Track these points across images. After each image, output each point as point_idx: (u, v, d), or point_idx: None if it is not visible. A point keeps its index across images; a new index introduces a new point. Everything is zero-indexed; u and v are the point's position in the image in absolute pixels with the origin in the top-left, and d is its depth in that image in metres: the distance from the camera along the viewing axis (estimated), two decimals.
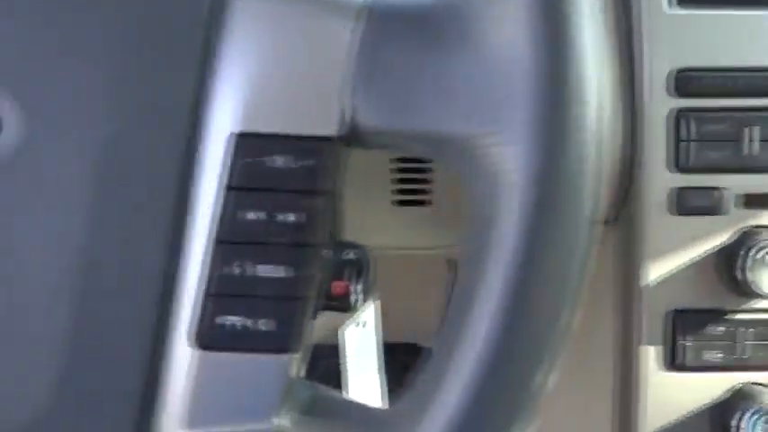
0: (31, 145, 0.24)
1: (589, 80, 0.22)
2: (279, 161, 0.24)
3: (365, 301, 0.44)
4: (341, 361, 0.42)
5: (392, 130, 0.25)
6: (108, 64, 0.24)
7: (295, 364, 0.26)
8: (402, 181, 0.47)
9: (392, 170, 0.47)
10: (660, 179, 0.43)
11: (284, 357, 0.25)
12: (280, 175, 0.24)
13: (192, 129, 0.24)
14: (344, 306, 0.42)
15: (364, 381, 0.42)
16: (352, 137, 0.25)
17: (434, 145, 0.25)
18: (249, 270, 0.25)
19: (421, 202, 0.47)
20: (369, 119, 0.24)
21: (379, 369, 0.44)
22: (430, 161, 0.47)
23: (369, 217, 0.45)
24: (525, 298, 0.23)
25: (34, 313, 0.24)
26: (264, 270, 0.25)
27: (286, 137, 0.24)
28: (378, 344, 0.44)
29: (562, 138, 0.22)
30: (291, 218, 0.25)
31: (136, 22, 0.24)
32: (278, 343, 0.25)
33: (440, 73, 0.24)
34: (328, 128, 0.24)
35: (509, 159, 0.23)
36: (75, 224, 0.24)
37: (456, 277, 0.24)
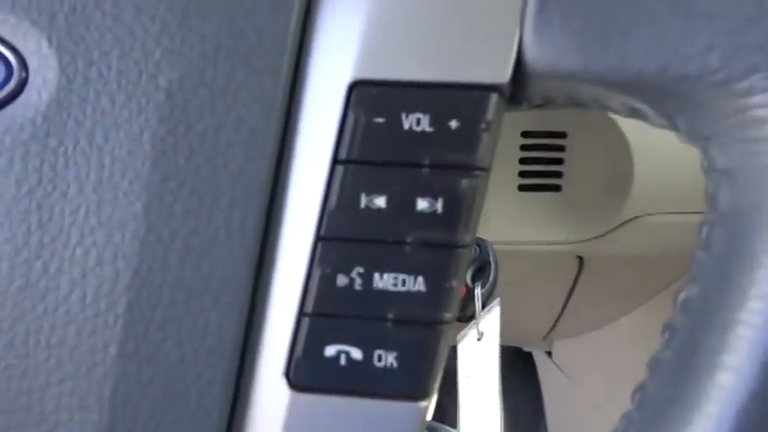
0: (67, 101, 0.17)
1: None
2: (421, 122, 0.16)
3: (485, 306, 0.37)
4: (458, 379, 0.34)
5: (581, 73, 0.16)
6: None
7: (428, 412, 0.18)
8: (529, 161, 0.38)
9: (518, 147, 0.38)
10: None
11: (414, 406, 0.18)
12: (421, 141, 0.17)
13: (292, 76, 0.17)
14: (465, 315, 0.35)
15: (481, 407, 0.34)
16: (519, 86, 0.17)
17: (644, 95, 0.16)
18: (366, 280, 0.17)
19: (551, 187, 0.39)
20: (551, 58, 0.16)
21: (499, 391, 0.36)
22: (562, 135, 0.39)
23: (489, 204, 0.37)
24: None
25: (83, 328, 0.17)
26: (389, 281, 0.17)
27: (434, 86, 0.16)
28: (498, 360, 0.36)
29: None
30: (434, 206, 0.17)
31: None
32: (406, 385, 0.18)
33: None
34: (499, 72, 0.16)
35: None
36: (128, 212, 0.17)
37: (689, 289, 0.16)
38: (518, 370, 0.82)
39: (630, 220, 0.39)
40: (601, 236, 0.40)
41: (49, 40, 0.17)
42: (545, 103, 0.19)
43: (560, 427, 0.80)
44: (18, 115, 0.17)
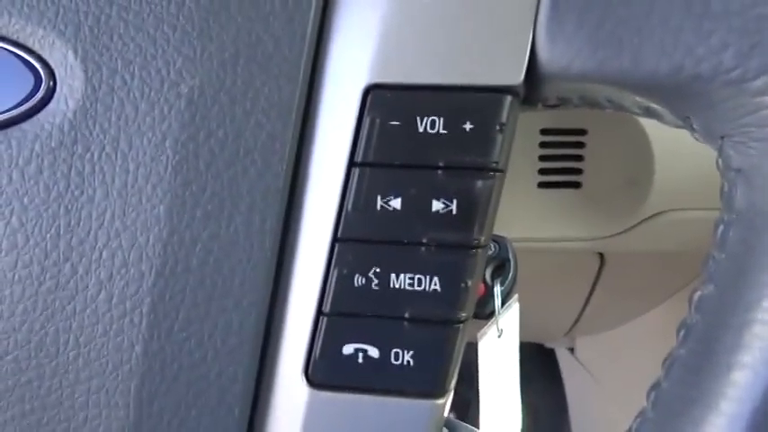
0: (92, 109, 0.18)
1: None
2: (436, 124, 0.17)
3: (504, 303, 0.37)
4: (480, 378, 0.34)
5: (594, 74, 0.16)
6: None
7: (444, 409, 0.19)
8: (548, 158, 0.38)
9: (537, 144, 0.38)
10: None
11: (431, 403, 0.18)
12: (436, 144, 0.17)
13: (308, 82, 0.17)
14: (484, 313, 0.35)
15: (500, 406, 0.34)
16: (533, 87, 0.17)
17: (658, 95, 0.16)
18: (383, 280, 0.17)
19: (571, 184, 0.39)
20: (564, 59, 0.16)
21: (519, 388, 0.36)
22: (581, 131, 0.39)
23: (509, 202, 0.37)
24: None
25: (109, 327, 0.18)
26: (405, 281, 0.17)
27: (448, 89, 0.17)
28: (518, 356, 0.36)
29: None
30: (449, 207, 0.17)
31: None
32: (423, 383, 0.18)
33: None
34: (512, 74, 0.17)
35: None
36: (152, 215, 0.18)
37: (704, 288, 0.16)
38: (541, 366, 0.82)
39: (652, 216, 0.39)
40: (622, 232, 0.40)
41: (75, 51, 0.17)
42: (559, 104, 0.19)
43: (584, 423, 0.80)
44: (46, 123, 0.18)
